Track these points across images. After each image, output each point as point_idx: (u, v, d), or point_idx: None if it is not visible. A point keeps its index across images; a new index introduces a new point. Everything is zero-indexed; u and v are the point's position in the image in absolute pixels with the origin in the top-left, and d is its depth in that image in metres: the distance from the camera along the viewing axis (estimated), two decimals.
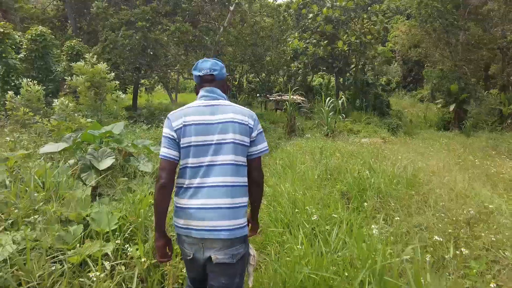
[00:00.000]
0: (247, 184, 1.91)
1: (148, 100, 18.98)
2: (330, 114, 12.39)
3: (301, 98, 18.02)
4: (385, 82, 32.73)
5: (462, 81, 19.24)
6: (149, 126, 9.91)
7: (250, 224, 2.11)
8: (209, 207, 1.77)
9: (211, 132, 1.82)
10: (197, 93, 2.00)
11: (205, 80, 1.95)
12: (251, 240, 2.95)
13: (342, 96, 12.53)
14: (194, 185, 1.81)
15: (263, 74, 24.77)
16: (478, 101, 20.46)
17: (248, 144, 1.89)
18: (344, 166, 5.38)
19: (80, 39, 13.83)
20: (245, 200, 1.88)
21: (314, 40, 19.08)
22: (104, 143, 4.88)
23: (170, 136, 1.83)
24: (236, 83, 26.98)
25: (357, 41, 17.86)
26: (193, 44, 13.81)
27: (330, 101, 12.43)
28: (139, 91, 17.03)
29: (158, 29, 12.35)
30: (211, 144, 1.81)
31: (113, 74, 6.12)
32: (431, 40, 21.33)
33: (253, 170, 1.95)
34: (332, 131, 11.95)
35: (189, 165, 1.82)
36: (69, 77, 5.98)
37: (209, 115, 1.85)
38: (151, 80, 16.15)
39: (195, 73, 1.97)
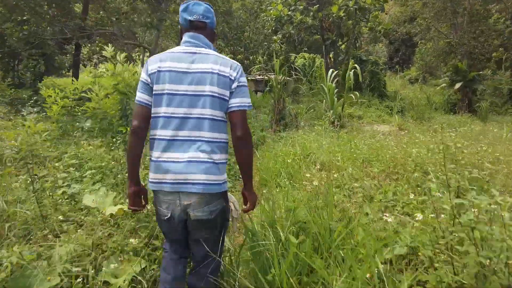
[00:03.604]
0: (226, 141, 1.70)
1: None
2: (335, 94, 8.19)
3: (288, 79, 13.77)
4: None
5: (473, 56, 15.50)
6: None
7: (244, 196, 1.80)
8: (183, 160, 1.58)
9: (187, 81, 1.59)
10: (181, 38, 1.72)
11: (195, 27, 1.68)
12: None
13: (356, 66, 8.41)
14: (167, 137, 1.60)
15: (240, 55, 20.10)
16: (481, 79, 16.75)
17: (228, 98, 1.63)
18: None
19: None
20: (224, 157, 1.67)
21: (301, 6, 14.66)
22: None
23: (144, 80, 1.64)
24: None
25: (355, 6, 13.57)
26: None
27: (334, 73, 8.19)
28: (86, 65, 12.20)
29: None
30: (186, 94, 1.59)
31: None
32: (433, 11, 17.36)
33: (235, 125, 1.63)
34: (339, 118, 7.80)
35: (161, 114, 1.60)
36: None
37: (187, 63, 1.61)
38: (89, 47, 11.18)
39: (184, 15, 1.67)
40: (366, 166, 4.09)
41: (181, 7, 1.67)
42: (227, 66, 1.61)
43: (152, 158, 1.64)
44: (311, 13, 14.04)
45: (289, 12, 14.71)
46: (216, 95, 1.58)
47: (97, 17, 9.46)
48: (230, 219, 1.88)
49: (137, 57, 26.16)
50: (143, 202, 1.76)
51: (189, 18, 1.65)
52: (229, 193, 1.83)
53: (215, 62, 1.60)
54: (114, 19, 8.63)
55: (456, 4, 16.26)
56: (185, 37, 1.67)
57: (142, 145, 1.66)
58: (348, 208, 2.20)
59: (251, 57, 20.97)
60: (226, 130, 1.67)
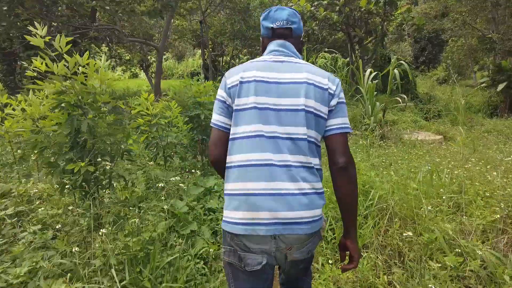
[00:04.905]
0: (321, 167, 1.29)
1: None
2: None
3: None
4: None
5: None
6: None
7: (342, 248, 1.32)
8: (283, 192, 1.15)
9: (277, 93, 1.22)
10: (263, 50, 1.41)
11: (279, 35, 1.36)
12: None
13: (403, 62, 6.93)
14: (253, 163, 1.17)
15: (259, 55, 18.77)
16: None
17: (326, 116, 1.24)
18: None
19: None
20: (321, 185, 1.26)
21: (325, 1, 13.21)
22: None
23: (221, 98, 1.29)
24: (227, 66, 21.20)
25: None
26: None
27: (372, 74, 6.75)
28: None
29: None
30: (277, 109, 1.20)
31: None
32: (470, 3, 15.56)
33: (335, 152, 1.22)
34: (380, 125, 6.36)
35: (243, 134, 1.20)
36: None
37: (276, 72, 1.25)
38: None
39: (266, 23, 1.37)
40: (450, 206, 2.70)
41: (262, 16, 1.37)
42: (325, 77, 1.25)
43: (229, 192, 1.20)
44: (337, 8, 12.59)
45: (312, 8, 13.30)
46: (312, 110, 1.20)
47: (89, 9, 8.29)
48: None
49: (153, 60, 25.26)
50: None
51: (271, 25, 1.35)
52: None
53: (311, 72, 1.25)
54: (107, 7, 7.43)
55: None
56: (271, 46, 1.34)
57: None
58: None
59: None
60: (320, 156, 1.28)
